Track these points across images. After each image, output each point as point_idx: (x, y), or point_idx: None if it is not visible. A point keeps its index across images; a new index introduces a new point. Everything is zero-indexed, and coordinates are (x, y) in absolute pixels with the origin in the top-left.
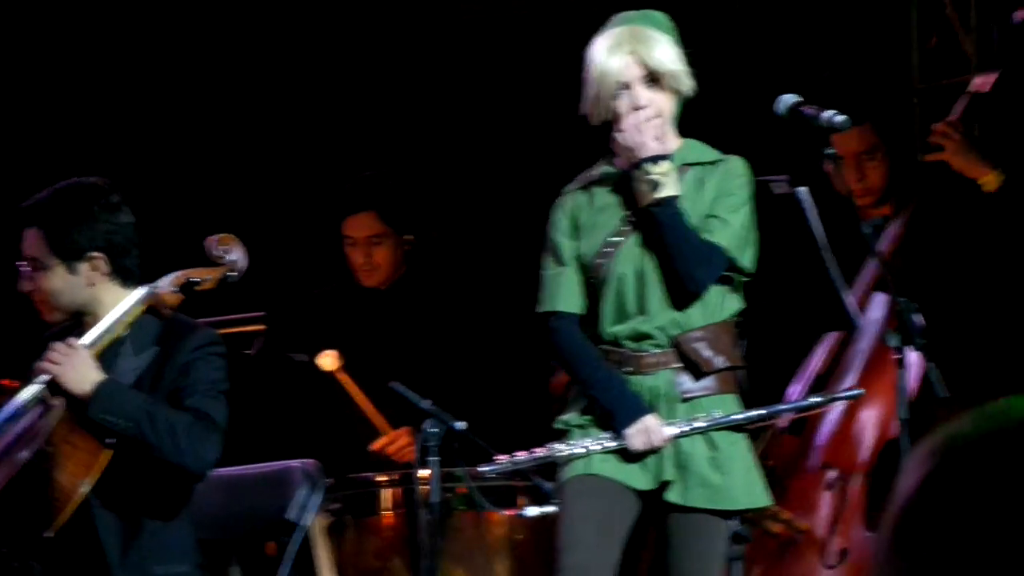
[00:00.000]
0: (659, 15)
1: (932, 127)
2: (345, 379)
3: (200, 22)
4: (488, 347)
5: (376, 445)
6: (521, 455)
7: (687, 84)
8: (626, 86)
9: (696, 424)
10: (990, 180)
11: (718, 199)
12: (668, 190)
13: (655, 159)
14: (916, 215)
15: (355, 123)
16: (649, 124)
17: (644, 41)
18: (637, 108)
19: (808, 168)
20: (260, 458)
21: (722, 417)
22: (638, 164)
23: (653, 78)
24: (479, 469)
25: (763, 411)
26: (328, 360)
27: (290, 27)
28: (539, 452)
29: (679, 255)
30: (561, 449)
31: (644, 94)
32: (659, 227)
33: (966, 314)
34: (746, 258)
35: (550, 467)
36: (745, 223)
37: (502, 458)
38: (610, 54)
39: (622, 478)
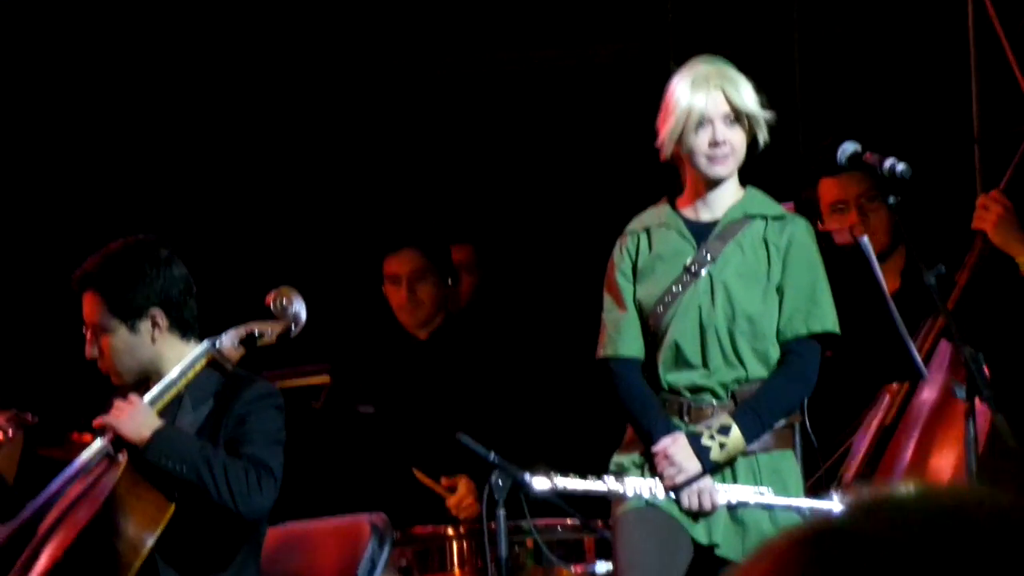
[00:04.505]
0: (734, 65)
1: (977, 200)
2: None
3: (247, 79)
4: (536, 391)
5: (451, 503)
6: (574, 480)
7: (764, 131)
8: (708, 121)
9: (748, 500)
10: None
11: (795, 275)
12: (727, 448)
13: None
14: (979, 263)
15: (399, 173)
16: (724, 160)
17: (730, 80)
18: (715, 144)
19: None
20: (328, 512)
21: (771, 497)
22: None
23: (735, 117)
24: (525, 479)
25: (811, 504)
26: None
27: (335, 82)
28: (592, 483)
29: (790, 410)
30: (613, 484)
31: (723, 131)
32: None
33: None
34: (837, 324)
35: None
36: (828, 294)
37: (555, 477)
38: (695, 89)
39: (680, 520)
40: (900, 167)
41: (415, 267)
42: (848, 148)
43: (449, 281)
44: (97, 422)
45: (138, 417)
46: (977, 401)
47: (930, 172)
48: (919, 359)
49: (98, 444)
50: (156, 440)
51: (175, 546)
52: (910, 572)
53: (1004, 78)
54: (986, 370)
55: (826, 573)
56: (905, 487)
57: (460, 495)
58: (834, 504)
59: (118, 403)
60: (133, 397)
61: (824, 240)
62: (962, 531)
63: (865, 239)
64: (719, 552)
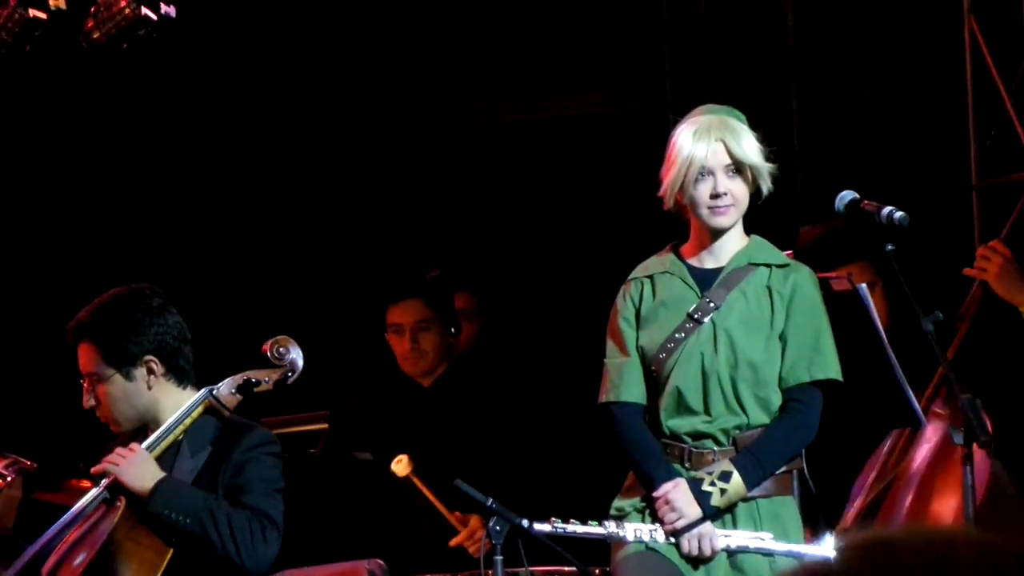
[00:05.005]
0: (740, 113)
1: (977, 251)
2: (418, 482)
3: (246, 124)
4: (538, 437)
5: (454, 542)
6: (574, 524)
7: (767, 181)
8: (709, 172)
9: (747, 545)
10: None
11: (798, 323)
12: (728, 494)
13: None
14: (979, 312)
15: (399, 220)
16: (725, 211)
17: (732, 131)
18: (716, 195)
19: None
20: (326, 558)
21: (771, 542)
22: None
23: (736, 168)
24: (526, 526)
25: (810, 550)
26: (401, 466)
27: (336, 130)
28: (593, 528)
29: (791, 457)
30: (613, 529)
31: (725, 182)
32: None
33: None
34: (840, 371)
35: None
36: (831, 342)
37: (556, 522)
38: (697, 140)
39: (680, 565)
40: (898, 215)
41: (419, 317)
42: (846, 196)
43: (452, 330)
44: (97, 468)
45: (140, 467)
46: (976, 447)
47: (928, 220)
48: (917, 406)
49: (95, 491)
50: (159, 492)
51: None
52: None
53: (1002, 126)
54: (985, 417)
55: None
56: (898, 529)
57: (473, 527)
58: (832, 550)
59: (119, 450)
60: (134, 446)
61: (822, 287)
62: (951, 571)
63: (863, 286)
64: None
